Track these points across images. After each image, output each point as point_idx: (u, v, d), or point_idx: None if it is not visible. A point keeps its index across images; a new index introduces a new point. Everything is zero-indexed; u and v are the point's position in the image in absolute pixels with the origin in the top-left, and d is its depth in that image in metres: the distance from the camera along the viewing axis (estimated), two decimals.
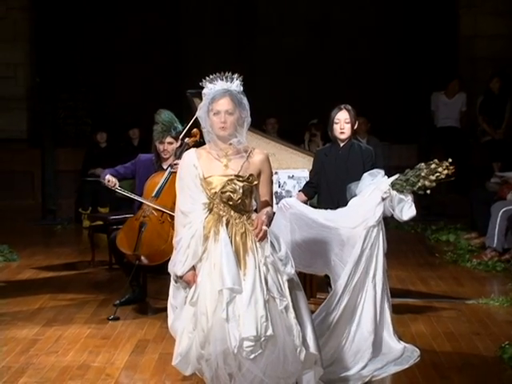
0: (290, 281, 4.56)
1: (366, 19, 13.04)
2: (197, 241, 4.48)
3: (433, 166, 5.68)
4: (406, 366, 5.52)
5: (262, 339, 4.36)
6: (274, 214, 5.33)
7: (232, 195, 4.50)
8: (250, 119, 4.57)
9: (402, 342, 5.75)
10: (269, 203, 4.65)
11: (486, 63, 12.27)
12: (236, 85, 4.56)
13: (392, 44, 12.98)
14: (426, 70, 12.15)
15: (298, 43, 13.07)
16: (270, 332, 4.37)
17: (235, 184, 4.50)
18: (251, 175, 4.55)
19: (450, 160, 5.69)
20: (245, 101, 4.55)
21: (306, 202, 6.41)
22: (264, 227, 4.45)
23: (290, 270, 4.56)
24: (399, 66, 12.93)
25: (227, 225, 4.50)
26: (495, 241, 8.89)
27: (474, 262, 8.85)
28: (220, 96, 4.51)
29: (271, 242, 4.54)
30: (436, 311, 6.98)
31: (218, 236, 4.47)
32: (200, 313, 4.43)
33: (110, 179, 7.05)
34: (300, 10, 13.11)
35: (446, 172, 5.65)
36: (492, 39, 12.39)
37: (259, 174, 4.60)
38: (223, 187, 4.50)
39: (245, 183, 4.52)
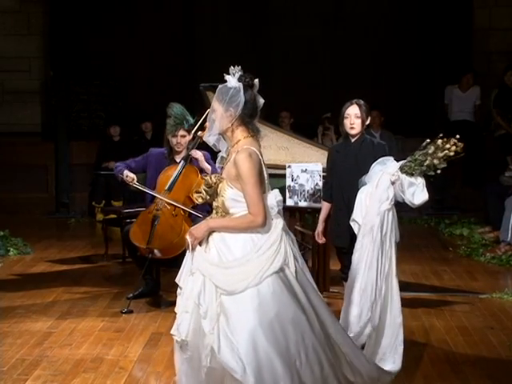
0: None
1: (380, 12, 13.01)
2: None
3: (439, 141, 5.40)
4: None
5: None
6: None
7: (199, 200, 4.26)
8: (240, 113, 4.15)
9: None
10: (247, 206, 4.14)
11: (501, 56, 12.22)
12: (233, 79, 4.17)
13: (406, 37, 12.94)
14: (440, 64, 12.10)
15: (311, 36, 13.03)
16: None
17: (203, 189, 4.24)
18: (219, 178, 4.20)
19: (458, 136, 5.51)
20: (234, 95, 4.13)
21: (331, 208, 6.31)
22: (189, 239, 4.19)
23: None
24: (413, 60, 12.90)
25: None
26: (509, 235, 8.86)
27: (488, 256, 8.82)
28: None
29: (219, 251, 4.15)
30: (449, 305, 6.97)
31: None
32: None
33: (128, 174, 7.08)
34: (314, 2, 13.08)
35: (454, 148, 5.40)
36: (507, 32, 12.34)
37: (238, 175, 4.16)
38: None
39: (208, 188, 4.21)
